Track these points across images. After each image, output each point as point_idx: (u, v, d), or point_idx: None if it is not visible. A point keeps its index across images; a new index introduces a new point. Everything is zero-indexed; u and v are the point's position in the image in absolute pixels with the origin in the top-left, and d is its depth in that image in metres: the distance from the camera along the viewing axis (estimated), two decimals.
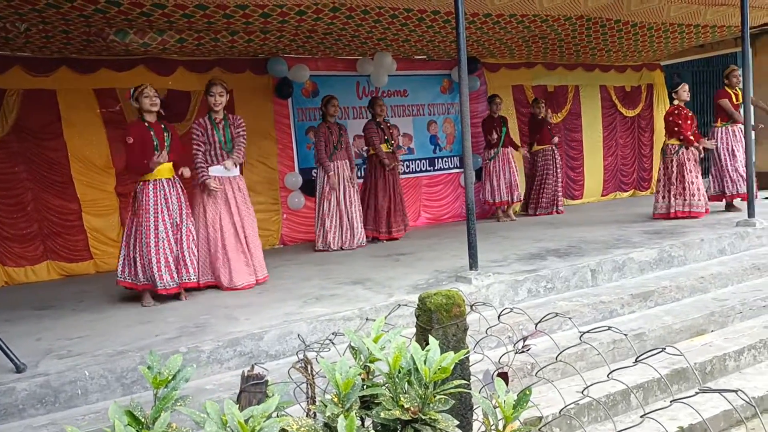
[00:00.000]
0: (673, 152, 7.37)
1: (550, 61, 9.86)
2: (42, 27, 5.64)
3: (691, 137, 7.25)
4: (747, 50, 6.44)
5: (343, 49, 7.83)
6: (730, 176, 7.70)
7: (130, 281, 4.94)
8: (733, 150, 7.70)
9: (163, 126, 5.05)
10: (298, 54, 7.78)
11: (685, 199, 7.29)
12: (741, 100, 7.57)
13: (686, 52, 11.32)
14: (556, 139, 9.08)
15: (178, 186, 5.09)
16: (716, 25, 8.63)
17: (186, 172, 5.11)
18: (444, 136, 9.26)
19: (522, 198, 9.04)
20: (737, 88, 7.71)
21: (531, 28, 7.72)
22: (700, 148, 7.31)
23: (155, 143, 4.93)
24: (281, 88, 7.71)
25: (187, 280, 5.03)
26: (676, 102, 7.48)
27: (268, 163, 7.73)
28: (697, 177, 7.31)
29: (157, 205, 4.91)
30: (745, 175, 7.28)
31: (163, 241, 4.89)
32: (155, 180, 4.94)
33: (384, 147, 7.39)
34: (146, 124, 4.96)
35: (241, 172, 5.60)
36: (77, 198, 6.71)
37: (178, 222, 5.01)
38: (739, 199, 7.68)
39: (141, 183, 4.95)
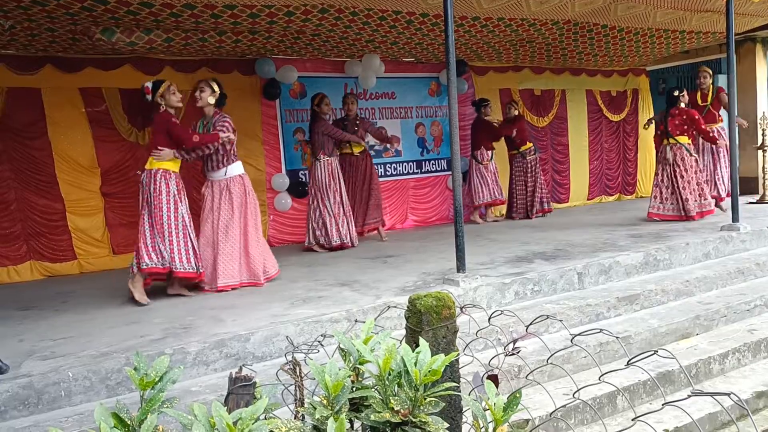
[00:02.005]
0: (686, 152, 7.36)
1: (537, 65, 9.91)
2: (27, 24, 5.58)
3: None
4: (732, 56, 6.49)
5: (331, 51, 7.82)
6: (705, 180, 7.80)
7: (155, 266, 4.91)
8: (710, 153, 7.81)
9: None
10: (286, 55, 7.75)
11: (681, 200, 7.32)
12: (708, 100, 7.86)
13: (671, 57, 11.42)
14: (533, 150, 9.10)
15: (174, 179, 5.10)
16: (701, 31, 8.74)
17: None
18: (432, 138, 9.27)
19: (505, 199, 9.06)
20: (704, 88, 8.01)
21: (519, 32, 7.76)
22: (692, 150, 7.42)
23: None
24: (269, 89, 7.67)
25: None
26: (683, 105, 7.46)
27: (255, 165, 7.67)
28: (689, 181, 7.32)
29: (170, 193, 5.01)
30: (725, 178, 7.38)
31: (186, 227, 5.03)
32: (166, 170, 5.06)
33: (347, 148, 7.43)
34: None
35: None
36: (61, 198, 6.64)
37: (186, 215, 5.11)
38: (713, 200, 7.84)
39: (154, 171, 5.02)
